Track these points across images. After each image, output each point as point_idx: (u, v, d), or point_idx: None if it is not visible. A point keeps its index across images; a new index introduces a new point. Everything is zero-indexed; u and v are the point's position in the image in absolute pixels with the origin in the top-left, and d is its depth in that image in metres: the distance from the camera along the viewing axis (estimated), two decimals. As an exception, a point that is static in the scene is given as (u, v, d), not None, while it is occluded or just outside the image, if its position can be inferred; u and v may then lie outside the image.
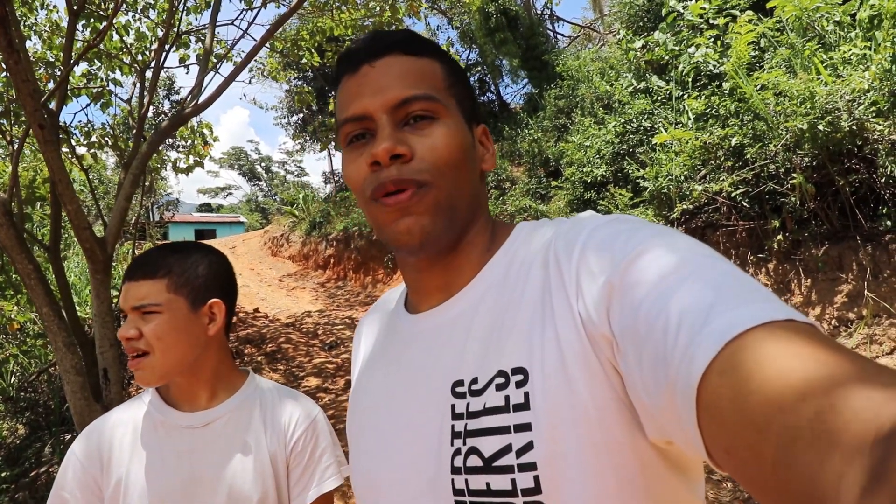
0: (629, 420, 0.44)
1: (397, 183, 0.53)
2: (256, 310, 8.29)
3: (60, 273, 3.27)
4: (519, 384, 0.48)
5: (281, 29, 6.00)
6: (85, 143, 5.37)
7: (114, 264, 5.79)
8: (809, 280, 3.81)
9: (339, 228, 11.34)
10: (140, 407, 0.96)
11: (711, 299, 0.37)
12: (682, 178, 4.60)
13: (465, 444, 0.50)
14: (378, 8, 5.80)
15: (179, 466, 0.89)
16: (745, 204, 4.11)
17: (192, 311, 0.93)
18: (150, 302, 0.89)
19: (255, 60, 7.06)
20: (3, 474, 4.25)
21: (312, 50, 6.31)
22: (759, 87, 4.02)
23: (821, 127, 3.38)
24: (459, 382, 0.53)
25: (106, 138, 5.42)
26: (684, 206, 4.56)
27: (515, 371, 0.49)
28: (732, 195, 4.11)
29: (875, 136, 3.27)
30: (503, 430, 0.48)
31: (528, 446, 0.46)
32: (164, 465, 0.89)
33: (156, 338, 0.88)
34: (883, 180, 3.34)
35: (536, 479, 0.45)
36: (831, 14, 4.03)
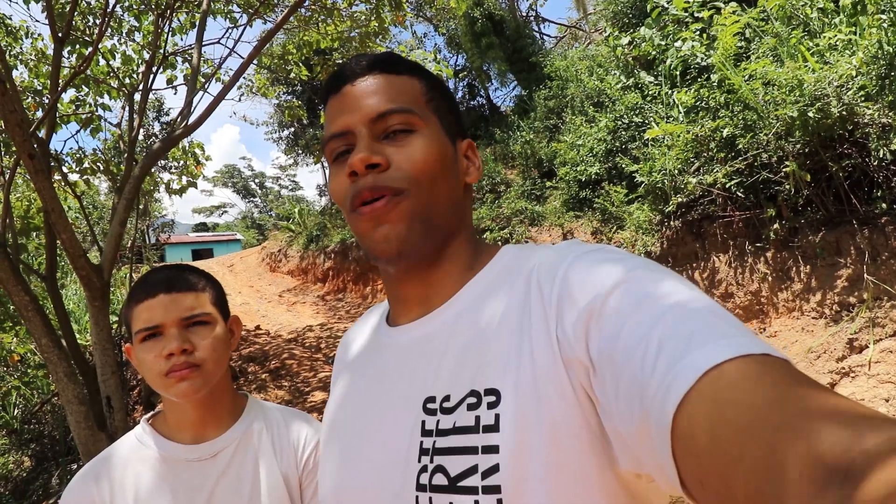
0: (599, 450, 0.45)
1: (373, 190, 0.54)
2: (258, 327, 8.25)
3: (58, 302, 3.25)
4: (490, 405, 0.48)
5: (267, 45, 6.01)
6: (77, 169, 5.35)
7: (112, 289, 5.76)
8: (808, 266, 3.81)
9: (337, 240, 11.32)
10: (136, 446, 0.90)
11: (690, 331, 0.38)
12: (676, 171, 4.60)
13: (432, 461, 0.49)
14: (364, 19, 5.82)
15: (192, 502, 0.85)
16: (740, 194, 4.11)
17: (225, 326, 0.92)
18: (202, 312, 0.87)
19: (244, 77, 7.07)
20: (10, 508, 4.21)
21: (300, 63, 6.33)
22: (747, 78, 4.04)
23: (811, 114, 3.39)
24: (431, 399, 0.53)
25: (97, 164, 5.41)
26: (679, 200, 4.57)
27: (488, 392, 0.49)
28: (727, 186, 4.12)
29: (865, 120, 3.28)
30: (471, 451, 0.47)
31: (494, 468, 0.46)
32: (176, 503, 0.85)
33: (210, 349, 0.86)
34: (875, 163, 3.35)
35: (499, 502, 0.45)
36: (814, 1, 4.06)
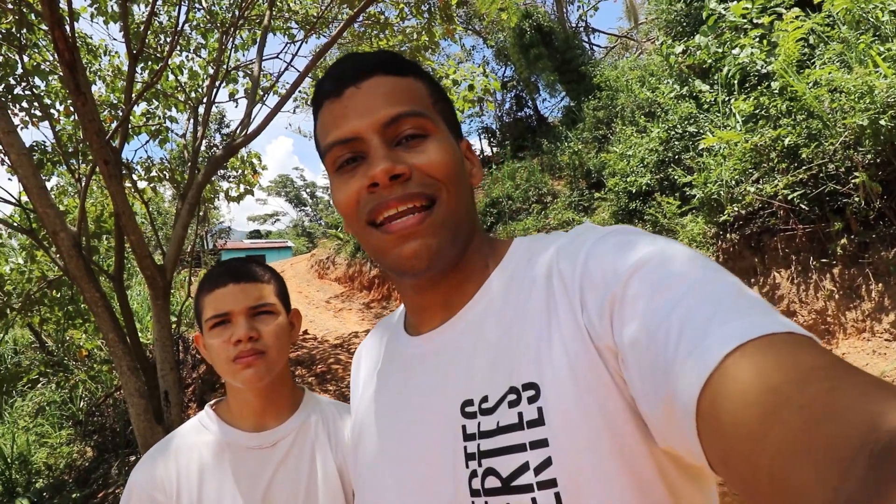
0: (643, 428, 0.44)
1: (402, 200, 0.52)
2: (305, 332, 8.47)
3: (124, 301, 3.46)
4: (531, 399, 0.47)
5: (323, 59, 6.23)
6: (145, 177, 5.71)
7: (172, 291, 6.08)
8: (881, 284, 3.56)
9: (383, 249, 11.47)
10: (200, 430, 0.94)
11: (712, 311, 0.38)
12: (733, 182, 4.42)
13: (480, 465, 0.48)
14: (415, 34, 5.94)
15: (253, 488, 0.88)
16: (803, 206, 3.90)
17: (287, 318, 0.95)
18: (268, 302, 0.91)
19: (299, 90, 7.36)
20: (74, 496, 4.48)
21: (353, 77, 6.51)
22: (811, 85, 3.85)
23: (883, 122, 3.19)
24: (469, 402, 0.52)
25: (164, 172, 5.75)
26: (735, 210, 4.38)
27: (526, 387, 0.48)
28: (789, 198, 3.91)
29: (946, 128, 3.05)
30: (519, 448, 0.46)
31: (546, 463, 0.45)
32: (238, 488, 0.88)
33: (274, 337, 0.89)
34: (958, 174, 3.10)
35: (557, 496, 0.44)
36: (886, 4, 3.83)
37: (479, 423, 0.50)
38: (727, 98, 5.21)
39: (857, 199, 3.54)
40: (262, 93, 5.08)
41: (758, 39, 4.88)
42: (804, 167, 3.83)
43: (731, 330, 0.35)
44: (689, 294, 0.40)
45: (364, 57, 0.56)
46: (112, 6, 5.07)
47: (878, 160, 3.40)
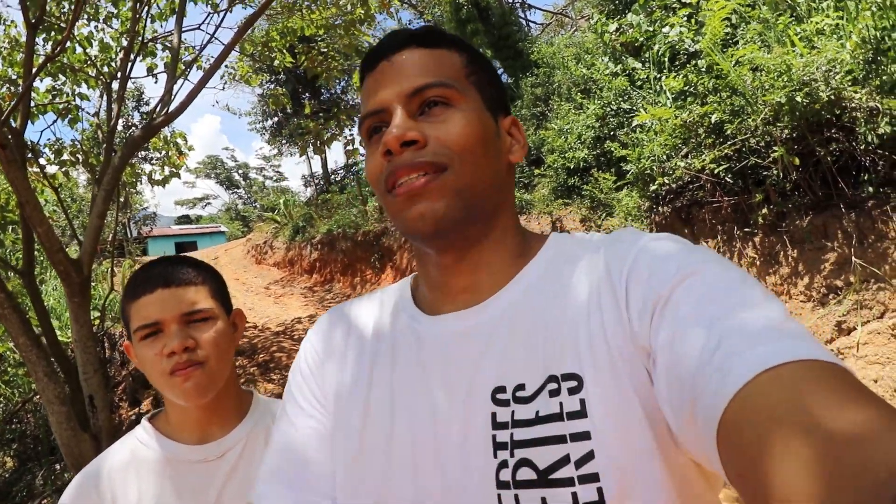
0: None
1: (411, 168, 0.51)
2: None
3: (37, 298, 3.16)
4: (572, 391, 0.46)
5: (250, 31, 5.86)
6: (55, 161, 5.20)
7: (93, 284, 5.64)
8: (796, 251, 3.84)
9: (323, 231, 11.21)
10: (136, 446, 0.86)
11: (753, 330, 0.38)
12: (664, 157, 4.59)
13: (512, 455, 0.46)
14: (349, 6, 5.70)
15: None
16: (728, 180, 4.12)
17: (228, 320, 0.87)
18: (204, 307, 0.83)
19: (226, 65, 6.91)
20: (-7, 509, 4.12)
21: (284, 51, 6.19)
22: (734, 63, 4.02)
23: (798, 98, 3.39)
24: (501, 389, 0.49)
25: (76, 155, 5.26)
26: (665, 182, 4.56)
27: (567, 377, 0.47)
28: (715, 171, 4.12)
29: (853, 105, 3.29)
30: (559, 440, 0.45)
31: (588, 456, 0.44)
32: None
33: (213, 345, 0.82)
34: (863, 147, 3.36)
35: (600, 490, 0.43)
36: (802, -15, 4.05)
37: (512, 412, 0.48)
38: (658, 75, 5.39)
39: (775, 171, 3.77)
40: (183, 67, 4.72)
41: (686, 18, 5.04)
42: (729, 142, 4.03)
43: (768, 350, 0.36)
44: (733, 311, 0.40)
45: (401, 31, 0.58)
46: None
47: (795, 135, 3.62)
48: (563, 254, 0.55)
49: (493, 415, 0.48)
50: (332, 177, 16.97)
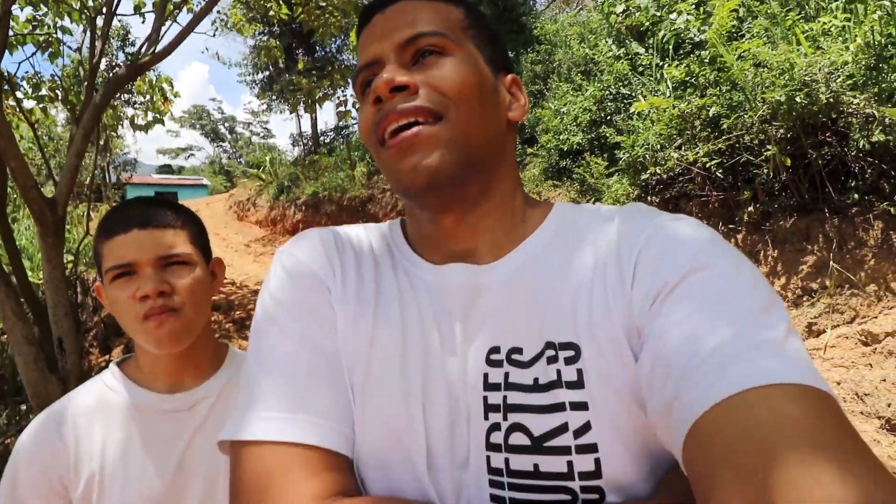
0: None
1: (401, 113, 0.48)
2: (223, 275, 8.07)
3: (8, 237, 3.05)
4: (569, 360, 0.45)
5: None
6: (33, 96, 4.98)
7: (67, 227, 5.48)
8: (777, 251, 3.89)
9: (309, 193, 11.05)
10: (104, 390, 0.82)
11: (752, 341, 0.38)
12: (658, 147, 4.58)
13: (505, 418, 0.45)
14: (350, -41, 5.48)
15: (166, 455, 0.78)
16: (719, 174, 4.13)
17: (206, 268, 0.83)
18: (182, 251, 0.78)
19: (218, 11, 6.64)
20: (-45, 446, 4.06)
21: (280, 1, 5.96)
22: (738, 57, 3.99)
23: (798, 99, 3.38)
24: (495, 349, 0.48)
25: (55, 91, 5.04)
26: (656, 172, 4.56)
27: (564, 346, 0.46)
28: (707, 165, 4.13)
29: (850, 110, 3.30)
30: (558, 408, 0.44)
31: (586, 427, 0.43)
32: (147, 456, 0.77)
33: (190, 291, 0.78)
34: (854, 154, 3.39)
35: (597, 461, 0.43)
36: (813, -17, 4.01)
37: (506, 373, 0.46)
38: (661, 63, 5.33)
39: (766, 170, 3.79)
40: (172, 7, 4.51)
41: (694, 6, 4.97)
42: (723, 137, 4.03)
43: (760, 368, 0.36)
44: (736, 317, 0.40)
45: None
46: None
47: (789, 135, 3.63)
48: (570, 223, 0.54)
49: (486, 375, 0.47)
50: (322, 138, 16.64)
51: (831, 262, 3.46)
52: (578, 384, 0.44)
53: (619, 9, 5.95)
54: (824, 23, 3.63)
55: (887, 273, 3.27)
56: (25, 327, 2.23)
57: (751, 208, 3.99)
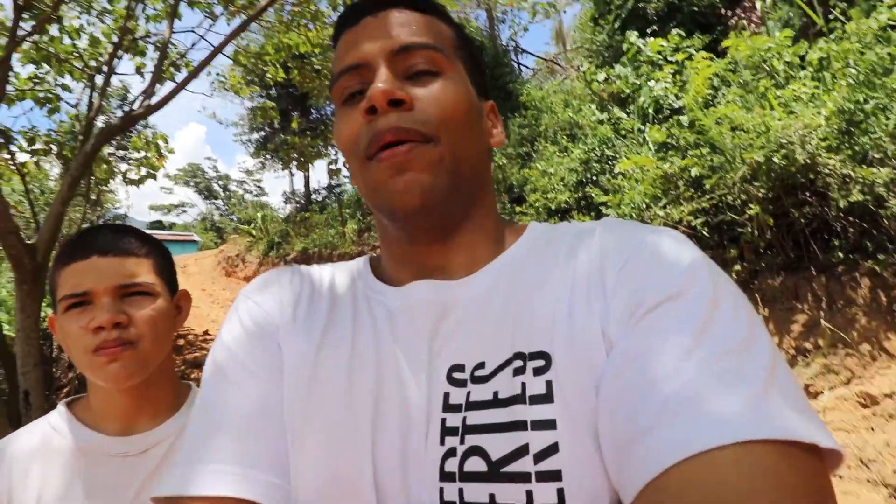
0: None
1: (397, 132, 0.45)
2: (206, 332, 7.89)
3: (-16, 286, 2.96)
4: (538, 371, 0.40)
5: (246, 43, 5.83)
6: (28, 149, 5.02)
7: (47, 276, 5.36)
8: (767, 310, 3.89)
9: (299, 249, 11.04)
10: (47, 431, 0.75)
11: (725, 386, 0.33)
12: (644, 206, 4.67)
13: (462, 442, 0.40)
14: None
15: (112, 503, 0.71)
16: (704, 233, 4.20)
17: (171, 301, 0.78)
18: (143, 280, 0.73)
19: (218, 73, 6.87)
20: None
21: (277, 65, 6.20)
22: (716, 121, 4.17)
23: (776, 159, 3.50)
24: (458, 367, 0.43)
25: (50, 145, 5.09)
26: (646, 234, 4.61)
27: (535, 355, 0.41)
28: (692, 224, 4.19)
29: (827, 171, 3.41)
30: (517, 426, 0.38)
31: (552, 449, 0.37)
32: None
33: (150, 324, 0.73)
34: (835, 213, 3.46)
35: (560, 493, 0.36)
36: (782, 54, 4.25)
37: (468, 393, 0.41)
38: (642, 126, 5.54)
39: (750, 229, 3.86)
40: (172, 70, 4.66)
41: (671, 75, 5.24)
42: (706, 196, 4.13)
43: (733, 421, 0.31)
44: (714, 355, 0.35)
45: None
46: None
47: (771, 195, 3.72)
48: (547, 238, 0.51)
49: (446, 395, 0.42)
50: (314, 196, 16.85)
51: (822, 321, 3.45)
52: (546, 398, 0.39)
53: (601, 77, 6.26)
54: (794, 89, 3.82)
55: (879, 332, 3.26)
56: (-11, 380, 2.11)
57: (738, 266, 4.02)
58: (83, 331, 0.71)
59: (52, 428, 0.76)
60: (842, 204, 3.32)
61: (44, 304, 3.08)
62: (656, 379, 0.35)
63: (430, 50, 0.49)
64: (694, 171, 4.18)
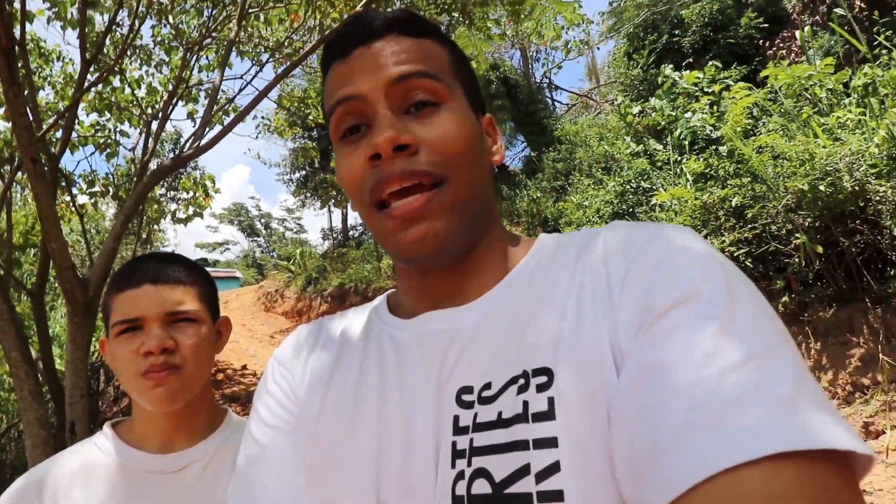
0: None
1: (405, 176, 0.45)
2: (244, 367, 8.02)
3: (42, 321, 3.14)
4: (541, 387, 0.38)
5: (290, 88, 6.13)
6: (87, 191, 5.37)
7: (100, 303, 5.62)
8: (819, 343, 3.68)
9: (335, 284, 11.22)
10: (92, 450, 0.80)
11: (748, 397, 0.31)
12: (683, 237, 4.57)
13: (469, 464, 0.39)
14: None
15: None
16: (748, 264, 4.04)
17: (213, 327, 0.83)
18: (189, 308, 0.78)
19: (263, 116, 7.24)
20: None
21: (318, 108, 6.48)
22: (756, 150, 4.08)
23: (822, 187, 3.37)
24: (467, 389, 0.42)
25: (108, 187, 5.43)
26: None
27: (538, 372, 0.39)
28: (735, 254, 4.05)
29: (878, 198, 3.26)
30: (519, 446, 0.37)
31: (553, 468, 0.36)
32: None
33: (194, 350, 0.77)
34: (888, 241, 3.29)
35: None
36: (824, 82, 4.15)
37: (475, 414, 0.41)
38: (679, 158, 5.47)
39: (797, 259, 3.70)
40: (221, 114, 4.95)
41: (708, 106, 5.18)
42: (749, 226, 4.00)
43: (770, 433, 0.29)
44: (735, 365, 0.32)
45: (377, 15, 0.51)
46: (72, 12, 4.88)
47: (818, 224, 3.58)
48: (553, 249, 0.50)
49: (456, 418, 0.42)
50: (351, 232, 17.24)
51: (881, 356, 3.24)
52: (548, 415, 0.38)
53: (636, 110, 6.25)
54: (839, 116, 3.71)
55: (944, 368, 3.03)
56: (40, 408, 2.21)
57: (786, 298, 3.84)
58: (133, 355, 0.74)
59: (97, 447, 0.80)
60: (895, 232, 3.15)
61: (93, 339, 3.22)
62: (675, 392, 0.33)
63: (426, 78, 0.48)
64: (735, 201, 4.07)
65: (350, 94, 0.48)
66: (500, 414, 0.39)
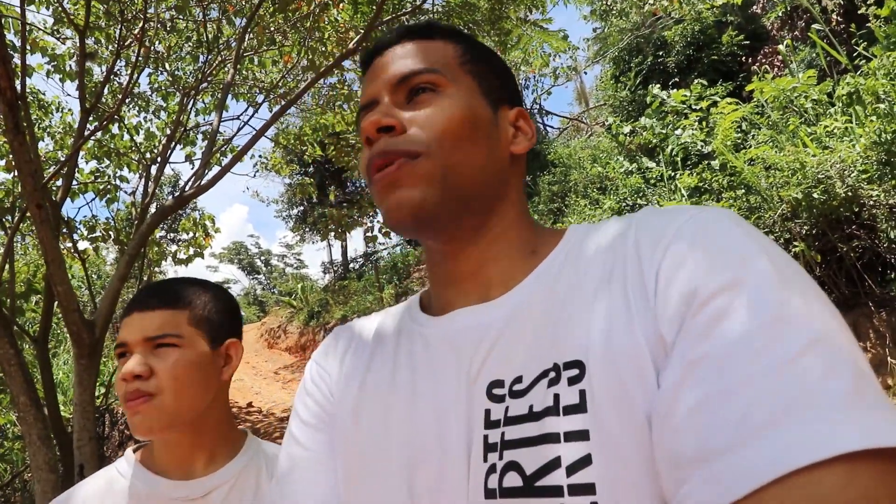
0: None
1: (383, 155, 0.49)
2: (250, 404, 7.93)
3: (46, 366, 3.13)
4: (573, 380, 0.38)
5: (286, 126, 6.25)
6: (88, 237, 5.41)
7: (104, 360, 5.59)
8: (827, 351, 3.67)
9: (338, 317, 11.18)
10: (114, 476, 0.80)
11: (807, 395, 0.29)
12: (683, 252, 4.59)
13: (501, 457, 0.39)
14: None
15: None
16: (749, 275, 4.07)
17: (211, 351, 0.81)
18: (169, 332, 0.77)
19: (260, 155, 7.35)
20: None
21: (314, 144, 6.59)
22: (748, 162, 4.14)
23: (815, 195, 3.42)
24: (498, 383, 0.43)
25: (109, 232, 5.48)
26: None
27: (569, 365, 0.39)
28: (736, 266, 4.08)
29: (871, 202, 3.30)
30: (550, 439, 0.37)
31: (585, 461, 0.35)
32: None
33: (171, 376, 0.75)
34: (886, 245, 3.31)
35: None
36: (809, 93, 4.25)
37: (506, 408, 0.41)
38: (672, 174, 5.54)
39: (798, 267, 3.72)
40: (219, 155, 5.04)
41: (697, 122, 5.28)
42: (747, 237, 4.03)
43: (837, 430, 0.28)
44: (804, 352, 0.31)
45: (399, 28, 0.57)
46: (70, 65, 5.01)
47: (815, 231, 3.61)
48: (583, 240, 0.49)
49: (488, 412, 0.42)
50: (352, 264, 17.27)
51: (890, 360, 3.22)
52: (580, 408, 0.37)
53: (627, 129, 6.36)
54: (826, 125, 3.78)
55: (955, 368, 3.01)
56: (49, 452, 2.19)
57: (789, 307, 3.85)
58: (119, 381, 0.76)
59: (119, 472, 0.80)
60: (892, 235, 3.18)
61: (98, 383, 3.20)
62: (728, 389, 0.31)
63: (427, 74, 0.51)
64: (730, 213, 4.12)
65: (366, 101, 0.54)
66: (531, 407, 0.40)
